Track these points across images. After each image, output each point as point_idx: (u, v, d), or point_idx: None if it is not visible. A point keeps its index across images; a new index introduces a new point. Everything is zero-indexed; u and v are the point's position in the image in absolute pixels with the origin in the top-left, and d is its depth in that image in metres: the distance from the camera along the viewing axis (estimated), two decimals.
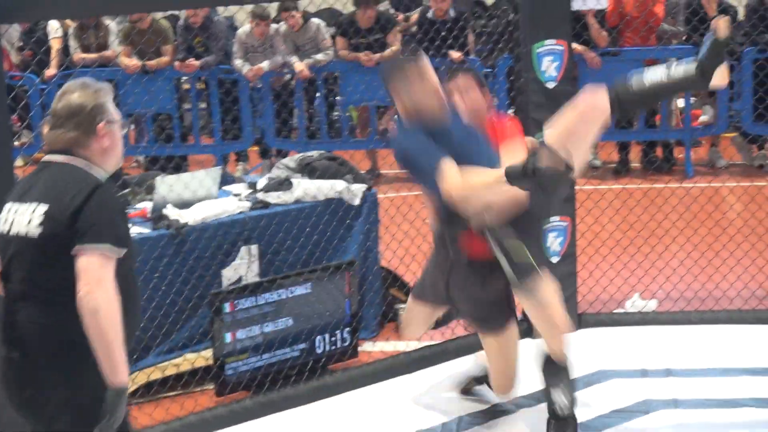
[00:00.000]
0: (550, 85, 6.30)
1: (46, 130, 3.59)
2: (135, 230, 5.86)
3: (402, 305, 6.76)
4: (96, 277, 3.32)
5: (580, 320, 6.63)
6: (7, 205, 3.57)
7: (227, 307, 5.64)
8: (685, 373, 5.86)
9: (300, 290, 5.93)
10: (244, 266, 6.08)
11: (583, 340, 6.46)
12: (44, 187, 3.50)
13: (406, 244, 6.71)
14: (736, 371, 5.83)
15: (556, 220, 6.47)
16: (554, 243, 6.50)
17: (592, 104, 4.59)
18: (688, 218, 7.65)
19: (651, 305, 6.84)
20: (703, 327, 6.52)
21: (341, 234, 6.43)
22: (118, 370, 3.36)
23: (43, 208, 3.43)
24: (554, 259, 6.50)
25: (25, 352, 3.47)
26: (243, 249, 6.07)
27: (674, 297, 6.82)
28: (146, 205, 6.19)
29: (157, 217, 5.94)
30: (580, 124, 4.58)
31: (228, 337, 5.65)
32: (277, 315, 5.83)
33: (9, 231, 3.51)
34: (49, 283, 3.45)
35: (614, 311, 6.81)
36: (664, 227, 7.42)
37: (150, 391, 5.65)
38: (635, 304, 6.86)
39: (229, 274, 6.04)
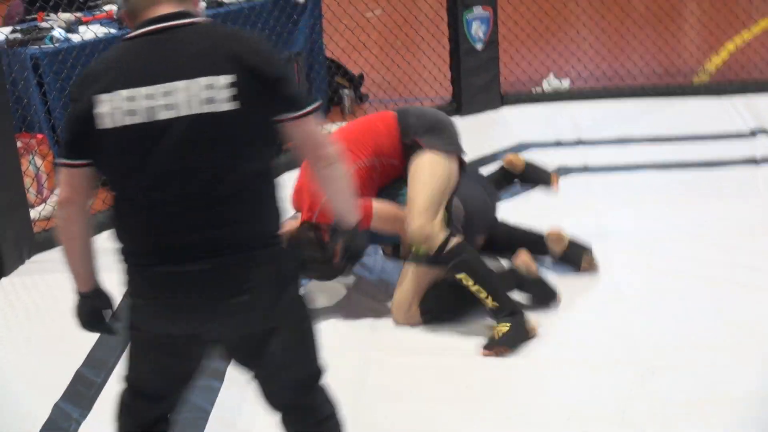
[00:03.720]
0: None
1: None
2: (103, 30, 5.83)
3: (345, 90, 6.83)
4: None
5: (503, 99, 6.74)
6: (109, 96, 2.45)
7: None
8: (593, 142, 6.01)
9: None
10: None
11: (505, 116, 6.60)
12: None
13: (347, 36, 6.71)
14: (637, 139, 5.98)
15: (479, 10, 6.50)
16: (478, 31, 6.54)
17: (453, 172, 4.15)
18: (597, 5, 7.68)
19: (565, 84, 6.94)
20: (610, 101, 6.65)
21: (289, 29, 6.41)
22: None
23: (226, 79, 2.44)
24: (478, 46, 6.55)
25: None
26: None
27: (585, 76, 6.92)
28: (112, 7, 6.12)
29: (121, 18, 5.87)
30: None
31: None
32: None
33: (151, 118, 2.44)
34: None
35: (532, 90, 6.91)
36: (576, 13, 7.45)
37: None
38: (551, 83, 6.95)
39: None
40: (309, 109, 2.53)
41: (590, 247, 4.40)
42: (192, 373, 2.72)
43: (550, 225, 4.46)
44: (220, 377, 3.70)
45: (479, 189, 4.40)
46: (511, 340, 3.89)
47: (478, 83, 6.63)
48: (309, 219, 4.08)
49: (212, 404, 3.63)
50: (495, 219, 4.47)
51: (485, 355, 3.88)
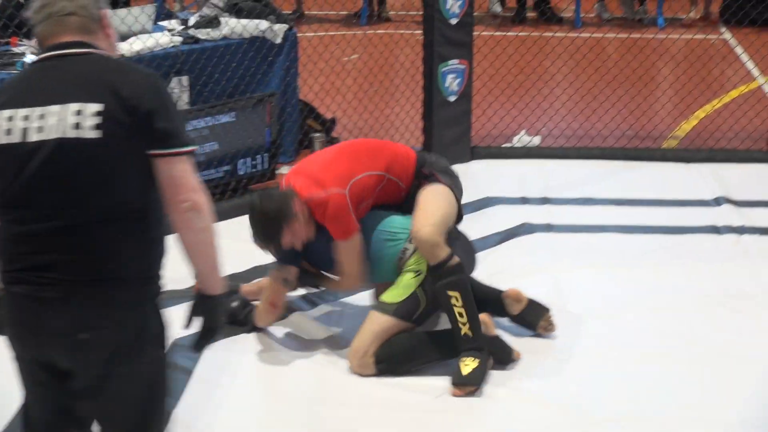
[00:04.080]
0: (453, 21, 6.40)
1: (40, 24, 2.61)
2: None
3: (317, 134, 6.82)
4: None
5: (473, 152, 6.74)
6: None
7: None
8: (560, 201, 6.01)
9: (225, 118, 5.94)
10: (175, 95, 6.05)
11: (474, 170, 6.59)
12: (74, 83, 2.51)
13: (321, 81, 6.71)
14: (604, 201, 5.99)
15: (454, 63, 6.51)
16: (452, 83, 6.55)
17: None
18: (572, 66, 7.73)
19: (535, 141, 6.94)
20: (579, 162, 6.65)
21: (264, 69, 6.40)
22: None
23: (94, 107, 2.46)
24: (451, 98, 6.55)
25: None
26: (174, 80, 6.01)
27: (556, 134, 6.94)
28: None
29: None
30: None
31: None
32: (204, 140, 5.84)
33: (23, 139, 2.48)
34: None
35: (503, 145, 6.91)
36: (551, 73, 7.49)
37: None
38: (521, 139, 6.96)
39: None
40: (180, 150, 2.50)
41: (548, 309, 4.38)
42: (65, 412, 2.60)
43: (508, 285, 4.43)
44: None
45: (462, 244, 4.33)
46: (479, 377, 3.92)
47: (449, 135, 6.62)
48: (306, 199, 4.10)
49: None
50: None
51: (455, 395, 3.89)
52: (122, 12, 6.03)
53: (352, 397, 3.97)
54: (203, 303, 2.59)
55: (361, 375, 4.08)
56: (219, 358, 4.13)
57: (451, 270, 4.00)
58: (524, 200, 6.02)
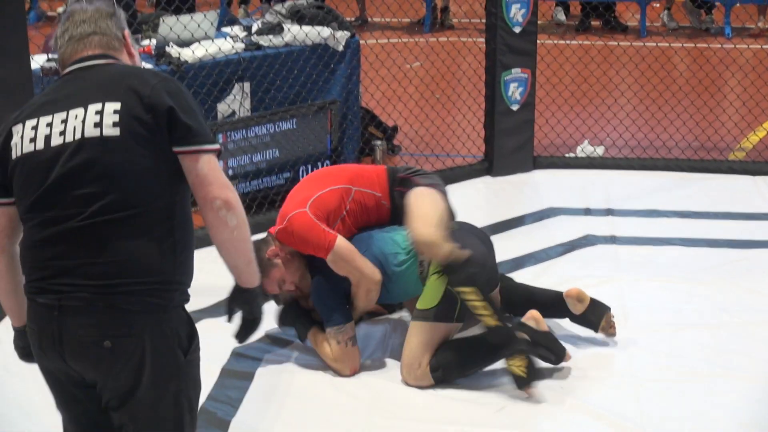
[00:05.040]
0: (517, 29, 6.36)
1: (62, 47, 2.65)
2: None
3: (378, 142, 6.79)
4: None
5: (535, 162, 6.66)
6: (20, 126, 2.54)
7: (221, 138, 5.63)
8: (623, 212, 5.90)
9: (286, 125, 5.93)
10: (237, 102, 6.05)
11: (536, 180, 6.52)
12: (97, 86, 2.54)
13: (383, 88, 6.67)
14: (668, 213, 5.87)
15: (517, 72, 6.44)
16: (515, 92, 6.48)
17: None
18: (637, 75, 7.61)
19: (599, 151, 6.85)
20: (643, 173, 6.55)
21: (325, 76, 6.38)
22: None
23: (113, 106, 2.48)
24: (514, 107, 6.49)
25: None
26: (236, 86, 6.02)
27: (620, 145, 6.83)
28: (151, 43, 6.12)
29: (159, 54, 5.88)
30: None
31: (221, 165, 5.64)
32: (266, 147, 5.83)
33: (46, 145, 2.49)
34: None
35: (566, 155, 6.83)
36: (616, 82, 7.38)
37: None
38: (585, 149, 6.87)
39: (223, 109, 6.01)
40: (206, 147, 2.49)
41: (609, 308, 4.30)
42: (99, 424, 2.57)
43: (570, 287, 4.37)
44: None
45: (476, 240, 4.21)
46: (536, 371, 3.91)
47: (511, 144, 6.55)
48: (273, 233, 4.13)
49: None
50: (496, 271, 4.29)
51: (529, 393, 3.89)
52: (185, 18, 6.04)
53: (410, 410, 3.91)
54: (241, 296, 2.60)
55: (420, 387, 4.02)
56: (275, 371, 4.14)
57: (459, 266, 3.92)
58: (587, 211, 5.93)
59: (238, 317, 2.66)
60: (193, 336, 2.58)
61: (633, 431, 3.73)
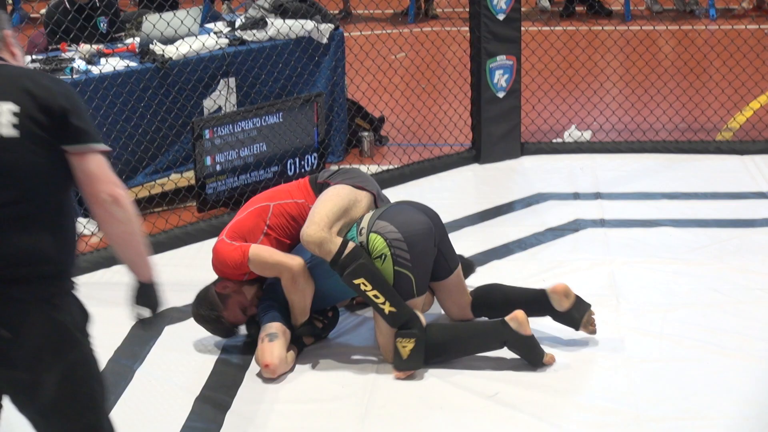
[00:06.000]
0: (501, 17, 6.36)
1: None
2: (123, 64, 5.80)
3: (365, 133, 6.78)
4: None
5: (523, 149, 6.66)
6: None
7: (207, 134, 5.62)
8: (612, 196, 5.91)
9: (273, 119, 5.91)
10: (222, 97, 6.04)
11: (524, 166, 6.51)
12: None
13: (369, 80, 6.66)
14: (656, 195, 5.88)
15: (502, 59, 6.44)
16: (501, 79, 6.47)
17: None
18: (623, 59, 7.61)
19: (586, 136, 6.85)
20: (631, 155, 6.55)
21: (310, 69, 6.38)
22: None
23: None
24: (500, 94, 6.48)
25: None
26: (222, 82, 6.01)
27: (607, 129, 6.83)
28: (134, 41, 6.10)
29: (143, 52, 5.87)
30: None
31: (208, 160, 5.64)
32: (252, 141, 5.82)
33: None
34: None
35: (553, 140, 6.82)
36: (601, 67, 7.38)
37: (138, 207, 5.66)
38: (572, 134, 6.87)
39: (209, 104, 6.01)
40: (95, 146, 2.60)
41: (590, 305, 4.26)
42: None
43: (553, 282, 4.34)
44: None
45: (414, 210, 4.20)
46: (418, 358, 3.98)
47: (498, 132, 6.55)
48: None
49: None
50: (444, 234, 4.24)
51: (398, 377, 3.98)
52: (168, 15, 6.02)
53: (404, 396, 3.92)
54: (139, 290, 2.73)
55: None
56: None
57: (348, 260, 3.98)
58: (576, 196, 5.93)
59: (143, 312, 2.77)
60: (87, 318, 2.69)
61: (627, 413, 3.73)
